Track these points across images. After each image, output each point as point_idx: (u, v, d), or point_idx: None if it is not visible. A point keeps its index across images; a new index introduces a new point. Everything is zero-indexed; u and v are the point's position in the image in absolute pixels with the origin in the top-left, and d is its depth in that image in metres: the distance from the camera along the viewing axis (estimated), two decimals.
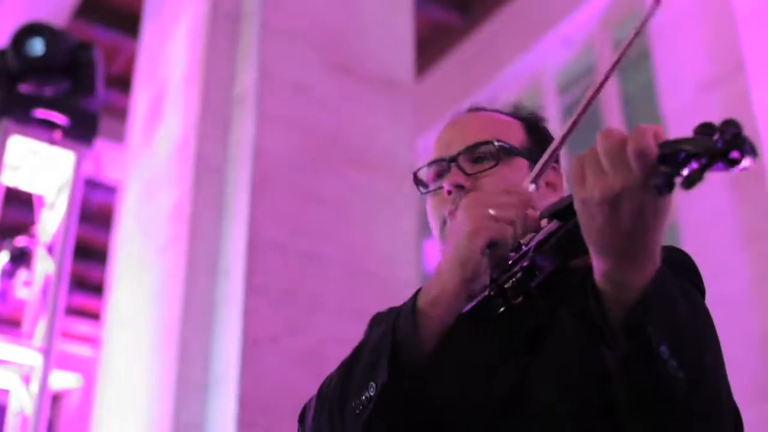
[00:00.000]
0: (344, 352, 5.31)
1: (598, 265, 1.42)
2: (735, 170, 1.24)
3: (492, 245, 1.59)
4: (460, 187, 1.88)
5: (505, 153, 1.95)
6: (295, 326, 4.70)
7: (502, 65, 8.82)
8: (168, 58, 6.00)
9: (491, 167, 1.91)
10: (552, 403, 1.61)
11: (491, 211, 1.61)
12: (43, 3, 8.27)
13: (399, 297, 5.63)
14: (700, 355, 1.47)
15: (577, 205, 1.39)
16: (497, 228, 1.60)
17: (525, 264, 1.58)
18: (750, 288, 5.57)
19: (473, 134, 1.97)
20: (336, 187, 5.13)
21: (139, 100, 6.34)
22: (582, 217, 1.39)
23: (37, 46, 5.55)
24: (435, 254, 1.92)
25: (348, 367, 1.70)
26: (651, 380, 1.41)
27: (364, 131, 5.38)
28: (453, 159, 1.93)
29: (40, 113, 5.60)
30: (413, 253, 5.28)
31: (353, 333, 4.96)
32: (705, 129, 1.26)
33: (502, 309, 1.62)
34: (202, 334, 4.77)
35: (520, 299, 1.60)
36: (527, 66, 8.55)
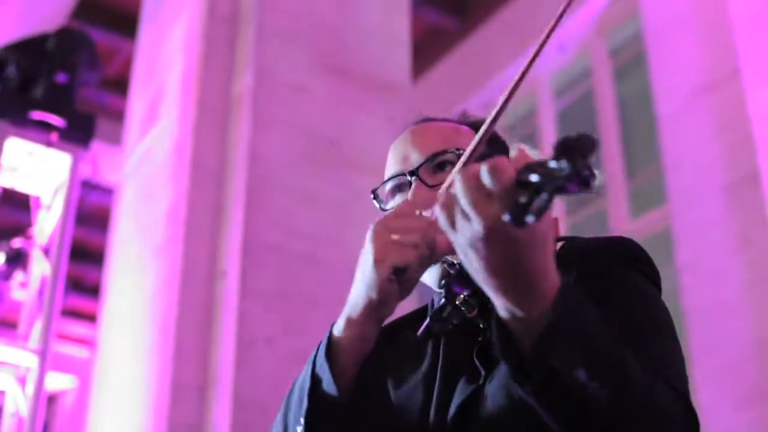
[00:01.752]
0: None
1: (494, 300, 1.37)
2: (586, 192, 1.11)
3: (398, 272, 1.56)
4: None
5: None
6: (291, 328, 4.71)
7: (498, 69, 8.84)
8: (165, 60, 6.01)
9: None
10: (504, 419, 1.57)
11: (394, 237, 1.58)
12: (40, 4, 8.28)
13: None
14: (621, 367, 1.41)
15: (460, 253, 1.34)
16: (400, 254, 1.56)
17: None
18: (744, 293, 5.58)
19: (431, 145, 1.92)
20: (332, 189, 5.15)
21: (136, 102, 6.35)
22: (463, 259, 1.34)
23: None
24: None
25: (287, 401, 1.74)
26: (570, 406, 1.37)
27: (360, 134, 5.39)
28: (413, 172, 1.87)
29: (37, 115, 5.62)
30: None
31: None
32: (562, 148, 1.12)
33: (455, 323, 1.62)
34: (198, 336, 4.78)
35: (475, 312, 1.60)
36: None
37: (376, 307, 1.60)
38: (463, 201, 1.27)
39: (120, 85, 8.54)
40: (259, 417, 4.48)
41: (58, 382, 13.02)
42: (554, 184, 1.11)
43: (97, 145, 6.00)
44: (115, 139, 7.44)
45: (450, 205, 1.31)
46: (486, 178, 1.22)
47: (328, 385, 1.61)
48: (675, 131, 6.46)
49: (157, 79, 6.06)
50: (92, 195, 9.86)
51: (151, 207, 5.49)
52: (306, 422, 1.61)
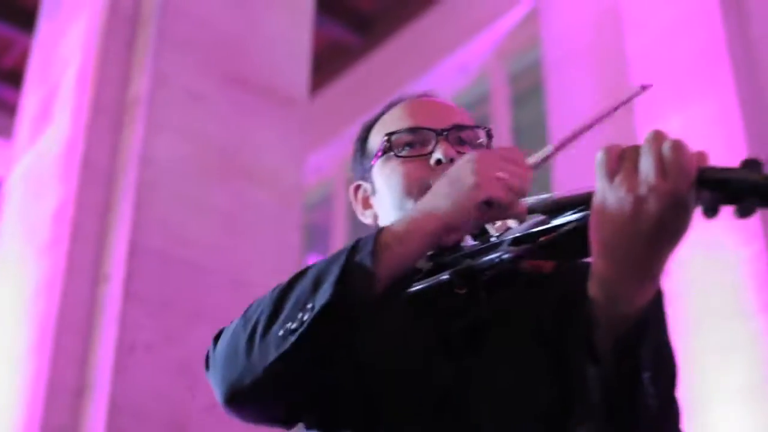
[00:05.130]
0: None
1: (602, 271, 1.39)
2: None
3: (488, 203, 1.51)
4: (451, 161, 1.80)
5: (489, 144, 1.93)
6: (172, 336, 4.69)
7: (397, 88, 8.88)
8: (62, 57, 5.94)
9: None
10: (490, 401, 1.57)
11: (500, 173, 1.53)
12: None
13: None
14: (673, 386, 1.49)
15: (596, 198, 1.36)
16: (502, 191, 1.51)
17: (499, 257, 1.54)
18: None
19: (458, 115, 1.95)
20: (222, 199, 5.13)
21: (30, 98, 6.26)
22: (598, 213, 1.35)
23: None
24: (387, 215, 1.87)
25: (286, 287, 1.59)
26: (627, 401, 1.40)
27: (254, 145, 5.39)
28: (443, 132, 1.87)
29: None
30: (295, 268, 5.28)
31: None
32: (752, 164, 1.26)
33: (443, 296, 1.58)
34: (77, 338, 4.73)
35: (463, 290, 1.56)
36: (421, 90, 8.63)
37: (450, 228, 1.53)
38: (648, 158, 1.30)
39: (14, 77, 8.41)
40: (136, 423, 4.45)
41: None
42: (766, 194, 1.22)
43: None
44: (7, 132, 7.33)
45: (621, 156, 1.33)
46: (669, 152, 1.28)
47: (362, 278, 1.48)
48: (567, 163, 6.57)
49: (52, 76, 5.98)
50: None
51: (38, 206, 5.42)
52: (323, 309, 1.46)
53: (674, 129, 5.64)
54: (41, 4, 6.69)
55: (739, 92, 5.32)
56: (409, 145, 1.89)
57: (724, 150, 5.26)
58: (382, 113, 2.04)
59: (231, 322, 1.72)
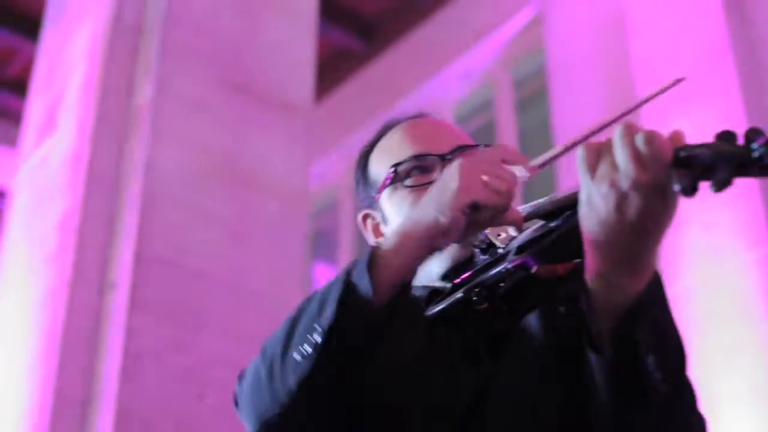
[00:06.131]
0: (227, 372, 5.29)
1: (594, 263, 1.41)
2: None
3: (475, 207, 1.50)
4: None
5: None
6: (178, 344, 4.69)
7: (401, 95, 8.90)
8: (67, 65, 5.94)
9: None
10: (514, 410, 1.59)
11: (484, 177, 1.52)
12: None
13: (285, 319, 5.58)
14: (683, 368, 1.49)
15: (582, 194, 1.39)
16: (487, 194, 1.50)
17: (505, 267, 1.55)
18: None
19: (458, 136, 1.95)
20: (227, 207, 5.14)
21: (35, 106, 6.26)
22: (584, 208, 1.38)
23: None
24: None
25: (295, 316, 1.60)
26: (633, 388, 1.42)
27: (258, 153, 5.39)
28: (447, 157, 1.86)
29: None
30: (300, 275, 5.31)
31: (236, 353, 4.97)
32: (727, 135, 1.27)
33: (465, 314, 1.60)
34: (83, 347, 4.73)
35: (485, 305, 1.57)
36: (426, 97, 8.65)
37: (438, 233, 1.52)
38: (621, 152, 1.33)
39: (19, 86, 8.42)
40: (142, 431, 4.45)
41: None
42: (742, 162, 1.22)
43: None
44: (11, 141, 7.33)
45: (599, 151, 1.37)
46: (642, 143, 1.31)
47: (366, 293, 1.49)
48: (572, 167, 6.56)
49: (57, 84, 5.99)
50: None
51: (43, 215, 5.42)
52: (330, 329, 1.48)
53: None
54: (45, 12, 6.70)
55: (744, 95, 5.32)
56: (415, 171, 1.89)
57: None
58: (379, 138, 2.02)
59: (251, 362, 1.71)
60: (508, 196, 1.53)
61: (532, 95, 8.21)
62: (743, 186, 5.50)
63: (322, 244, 10.04)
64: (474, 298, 1.59)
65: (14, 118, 8.23)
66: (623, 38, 6.21)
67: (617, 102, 6.35)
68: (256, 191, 5.25)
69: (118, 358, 4.54)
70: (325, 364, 1.50)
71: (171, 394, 4.57)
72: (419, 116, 2.03)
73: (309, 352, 1.50)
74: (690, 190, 1.25)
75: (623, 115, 1.56)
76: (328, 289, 1.54)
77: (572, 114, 6.79)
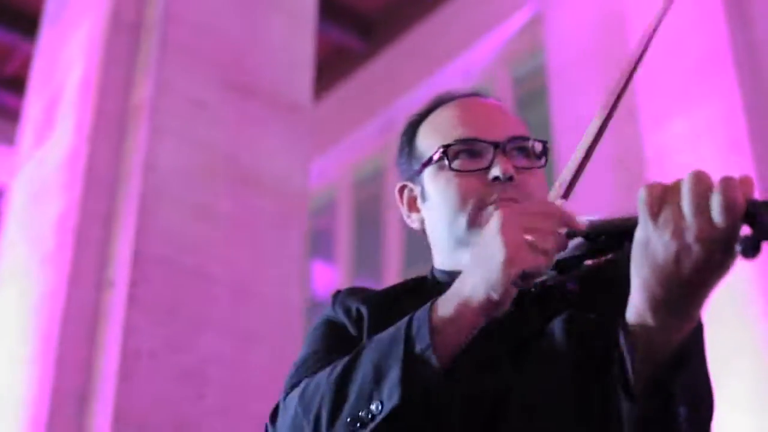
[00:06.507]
0: (224, 370, 5.28)
1: (638, 303, 1.36)
2: None
3: (525, 277, 1.45)
4: (510, 179, 1.77)
5: (544, 154, 1.87)
6: (176, 343, 4.68)
7: (400, 93, 8.90)
8: (65, 63, 5.93)
9: (539, 167, 1.84)
10: (532, 420, 1.54)
11: (529, 237, 1.45)
12: None
13: (284, 319, 5.62)
14: (709, 423, 1.47)
15: (638, 234, 1.32)
16: (533, 260, 1.44)
17: (540, 281, 1.51)
18: None
19: (515, 126, 1.88)
20: (226, 206, 5.13)
21: (33, 104, 6.25)
22: (640, 249, 1.32)
23: None
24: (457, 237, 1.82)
25: (344, 373, 1.54)
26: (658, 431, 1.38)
27: (258, 152, 5.39)
28: (500, 145, 1.81)
29: None
30: (300, 275, 5.31)
31: (235, 352, 4.97)
32: None
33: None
34: (81, 345, 4.73)
35: (512, 308, 1.53)
36: (425, 95, 8.60)
37: (491, 307, 1.48)
38: (689, 203, 1.24)
39: (17, 84, 8.41)
40: (139, 430, 4.45)
41: None
42: None
43: None
44: (10, 139, 7.33)
45: (664, 195, 1.28)
46: (719, 193, 1.21)
47: (433, 371, 1.45)
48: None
49: (55, 82, 5.98)
50: None
51: (41, 213, 5.42)
52: (394, 407, 1.43)
53: (679, 133, 5.64)
54: (44, 10, 6.69)
55: (743, 96, 5.32)
56: (465, 154, 1.83)
57: (729, 153, 5.26)
58: (430, 110, 1.96)
59: (284, 400, 1.66)
60: (554, 250, 1.47)
61: (532, 94, 8.20)
62: None
63: (320, 243, 10.04)
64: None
65: (12, 116, 8.23)
66: (623, 37, 6.20)
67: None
68: (255, 190, 5.24)
69: (115, 357, 4.54)
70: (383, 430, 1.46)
71: (169, 392, 4.57)
72: (475, 95, 1.97)
73: (367, 422, 1.47)
74: (751, 252, 1.18)
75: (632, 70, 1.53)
76: (385, 354, 1.51)
77: (571, 113, 6.78)
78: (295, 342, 5.02)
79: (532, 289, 1.55)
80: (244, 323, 4.91)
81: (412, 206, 1.95)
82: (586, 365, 1.50)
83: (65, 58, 5.97)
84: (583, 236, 1.48)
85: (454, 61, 8.62)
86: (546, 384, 1.56)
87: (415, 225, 1.95)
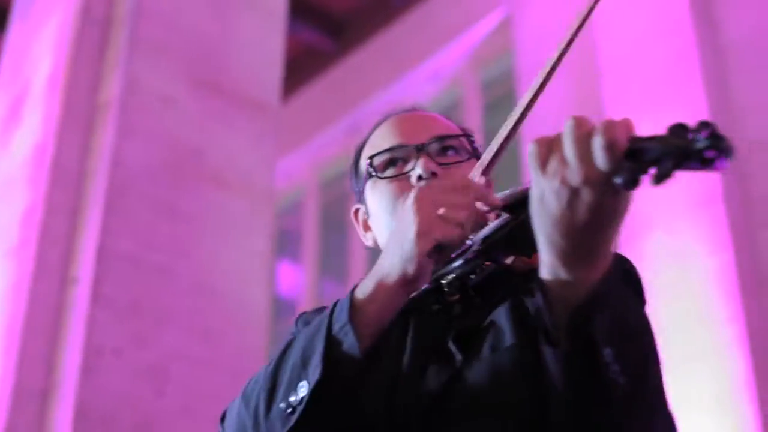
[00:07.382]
0: (188, 368, 5.27)
1: (546, 258, 1.38)
2: (711, 170, 1.16)
3: (439, 248, 1.49)
4: (433, 174, 1.80)
5: (474, 150, 1.92)
6: (140, 340, 4.67)
7: (369, 94, 8.90)
8: (34, 58, 5.90)
9: (464, 160, 1.88)
10: (482, 404, 1.56)
11: (441, 211, 1.50)
12: None
13: (248, 318, 5.61)
14: (643, 362, 1.46)
15: (533, 191, 1.34)
16: (446, 231, 1.49)
17: (468, 258, 1.54)
18: None
19: (440, 126, 1.93)
20: (192, 203, 5.12)
21: (1, 99, 6.21)
22: (536, 205, 1.34)
23: None
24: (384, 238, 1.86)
25: (277, 364, 1.60)
26: (591, 381, 1.38)
27: (225, 150, 5.38)
28: (421, 147, 1.86)
29: None
30: (265, 274, 5.30)
31: (198, 350, 4.95)
32: (679, 129, 1.20)
33: (437, 306, 1.60)
34: (44, 341, 4.71)
35: (457, 297, 1.57)
36: (393, 97, 8.65)
37: (408, 281, 1.52)
38: (570, 148, 1.27)
39: None
40: (102, 427, 4.44)
41: None
42: (684, 155, 1.16)
43: None
44: None
45: (550, 146, 1.31)
46: (599, 134, 1.23)
47: (351, 347, 1.51)
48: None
49: (23, 77, 5.95)
50: None
51: (6, 208, 5.39)
52: (317, 383, 1.49)
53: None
54: (13, 4, 6.65)
55: (709, 98, 5.36)
56: (392, 163, 1.89)
57: None
58: (371, 133, 2.01)
59: (231, 402, 1.71)
60: (468, 222, 1.52)
61: (500, 97, 8.23)
62: (706, 191, 5.52)
63: (286, 244, 10.03)
64: (445, 289, 1.59)
65: None
66: (591, 42, 6.24)
67: (584, 104, 6.38)
68: (221, 188, 5.24)
69: (78, 353, 4.52)
70: (313, 414, 1.51)
71: (131, 389, 4.56)
72: (409, 110, 2.02)
73: (296, 405, 1.52)
74: (631, 184, 1.20)
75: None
76: (311, 340, 1.56)
77: (539, 117, 6.79)
78: (258, 341, 5.02)
79: (472, 277, 1.58)
80: (208, 321, 4.90)
81: (366, 226, 2.00)
82: (531, 349, 1.50)
83: (34, 53, 5.94)
84: (499, 209, 1.51)
85: (423, 64, 8.64)
86: (493, 377, 1.57)
87: (370, 243, 2.00)
